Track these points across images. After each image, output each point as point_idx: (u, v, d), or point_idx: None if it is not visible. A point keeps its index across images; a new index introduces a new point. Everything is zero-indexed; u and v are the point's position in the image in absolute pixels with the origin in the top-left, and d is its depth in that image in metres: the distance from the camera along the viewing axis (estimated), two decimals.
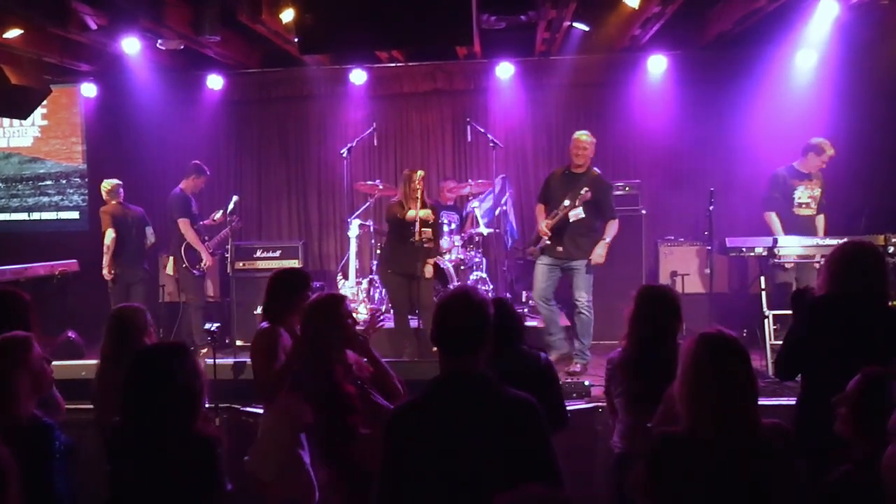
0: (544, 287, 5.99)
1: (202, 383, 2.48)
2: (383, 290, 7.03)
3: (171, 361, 2.44)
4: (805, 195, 6.45)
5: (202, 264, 7.12)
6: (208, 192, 7.69)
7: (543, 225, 5.95)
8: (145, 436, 2.41)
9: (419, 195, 6.00)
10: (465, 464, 2.16)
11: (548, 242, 5.92)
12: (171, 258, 7.23)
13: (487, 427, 2.17)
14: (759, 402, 2.23)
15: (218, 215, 7.23)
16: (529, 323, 6.58)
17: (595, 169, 6.06)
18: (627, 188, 7.31)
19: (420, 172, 6.13)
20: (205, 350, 6.57)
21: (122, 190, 7.32)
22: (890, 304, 3.26)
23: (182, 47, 6.95)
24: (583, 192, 5.78)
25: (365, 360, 3.27)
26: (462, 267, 7.04)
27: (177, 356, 2.47)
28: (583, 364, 5.91)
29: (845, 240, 5.46)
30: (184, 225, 7.05)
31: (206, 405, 2.55)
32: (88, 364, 4.40)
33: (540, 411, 2.22)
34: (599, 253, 5.85)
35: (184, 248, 7.10)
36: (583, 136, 6.01)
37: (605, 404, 4.68)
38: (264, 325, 3.53)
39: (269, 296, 3.54)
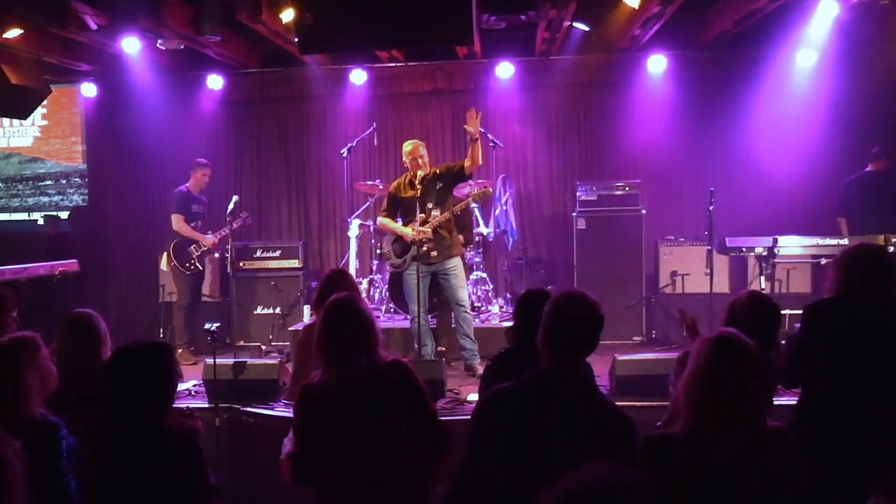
0: (424, 297, 5.79)
1: (173, 381, 2.57)
2: (384, 290, 7.03)
3: (139, 359, 2.54)
4: None
5: (193, 262, 7.04)
6: (208, 192, 7.69)
7: (415, 230, 5.69)
8: (119, 433, 2.49)
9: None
10: (549, 458, 2.18)
11: (425, 249, 5.71)
12: (165, 254, 7.22)
13: (580, 429, 2.20)
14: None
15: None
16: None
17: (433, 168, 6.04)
18: (627, 188, 7.31)
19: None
20: (179, 351, 6.57)
21: None
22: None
23: (182, 47, 6.94)
24: (468, 198, 5.91)
25: None
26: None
27: (147, 354, 2.57)
28: (479, 362, 5.78)
29: (845, 241, 5.49)
30: (175, 220, 7.05)
31: (209, 405, 2.59)
32: None
33: (635, 428, 2.26)
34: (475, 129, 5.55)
35: (173, 245, 7.07)
36: (417, 144, 5.93)
37: None
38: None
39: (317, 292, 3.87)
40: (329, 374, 2.76)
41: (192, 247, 7.06)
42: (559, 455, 2.17)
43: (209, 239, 7.08)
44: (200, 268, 7.15)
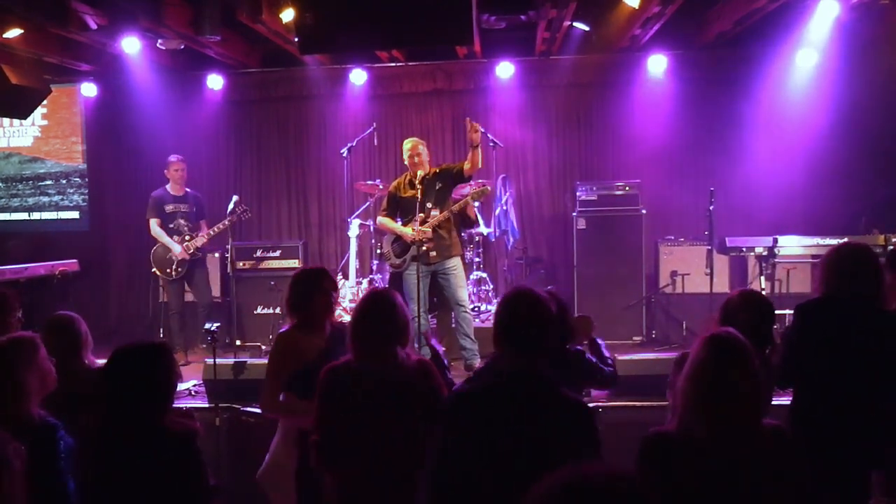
0: (424, 297, 5.76)
1: (172, 382, 2.58)
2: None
3: (138, 359, 2.54)
4: None
5: (174, 267, 6.91)
6: (208, 192, 7.68)
7: (415, 230, 5.70)
8: (118, 434, 2.48)
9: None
10: (515, 456, 2.22)
11: (424, 248, 5.70)
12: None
13: (543, 424, 2.24)
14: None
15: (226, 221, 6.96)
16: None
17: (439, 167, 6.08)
18: (627, 188, 7.31)
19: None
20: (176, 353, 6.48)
21: None
22: (889, 306, 3.21)
23: (182, 47, 6.94)
24: (469, 196, 5.87)
25: None
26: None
27: (146, 355, 2.57)
28: (479, 362, 5.74)
29: (845, 240, 5.48)
30: (151, 226, 6.97)
31: (209, 405, 2.59)
32: None
33: (593, 417, 2.32)
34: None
35: (152, 252, 7.00)
36: (416, 143, 5.94)
37: (604, 404, 4.71)
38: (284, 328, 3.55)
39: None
40: (360, 363, 2.84)
41: (170, 254, 6.93)
42: (524, 452, 2.23)
43: (178, 250, 6.87)
44: (181, 270, 6.94)
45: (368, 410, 2.78)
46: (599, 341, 3.50)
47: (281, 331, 3.55)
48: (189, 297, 7.26)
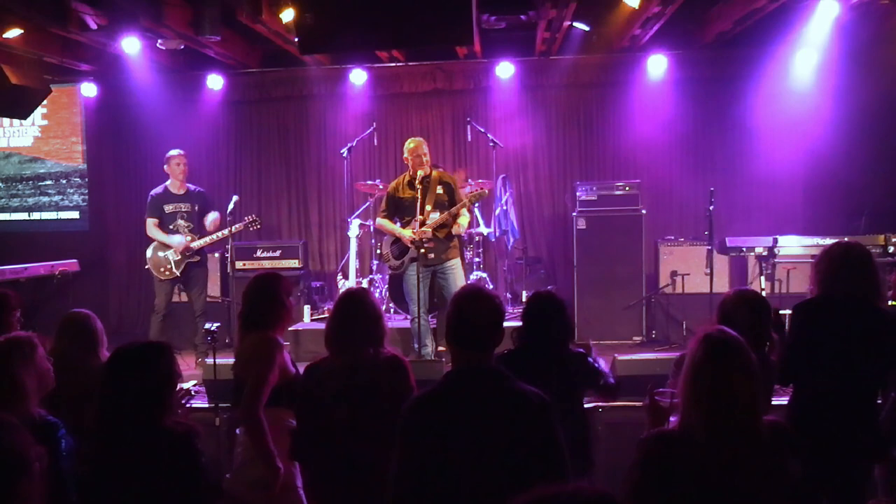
0: (424, 298, 5.74)
1: (173, 382, 2.58)
2: (384, 290, 7.03)
3: (138, 359, 2.54)
4: None
5: (169, 267, 6.62)
6: (208, 192, 7.66)
7: (414, 232, 5.70)
8: (118, 434, 2.48)
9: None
10: (476, 457, 2.22)
11: (422, 250, 5.66)
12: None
13: (499, 422, 2.24)
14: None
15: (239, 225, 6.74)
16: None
17: (437, 168, 6.08)
18: (627, 188, 7.31)
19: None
20: None
21: None
22: (884, 304, 3.23)
23: (182, 47, 6.95)
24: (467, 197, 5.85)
25: None
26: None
27: (146, 355, 2.56)
28: None
29: (846, 241, 5.48)
30: (147, 225, 6.68)
31: (208, 405, 2.58)
32: None
33: (550, 406, 2.29)
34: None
35: (148, 249, 6.77)
36: (420, 142, 5.90)
37: (604, 404, 4.70)
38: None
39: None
40: (335, 360, 2.94)
41: (167, 252, 6.64)
42: (482, 452, 2.23)
43: (177, 241, 6.56)
44: (177, 272, 6.65)
45: (341, 408, 2.85)
46: (600, 361, 3.50)
47: (262, 334, 3.22)
48: (181, 297, 6.94)
